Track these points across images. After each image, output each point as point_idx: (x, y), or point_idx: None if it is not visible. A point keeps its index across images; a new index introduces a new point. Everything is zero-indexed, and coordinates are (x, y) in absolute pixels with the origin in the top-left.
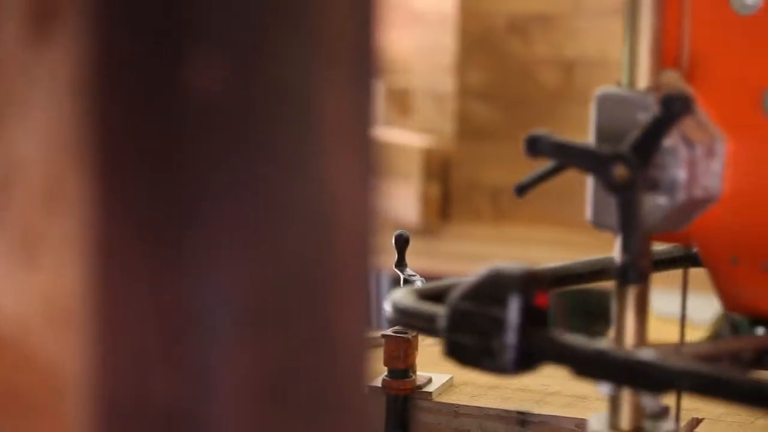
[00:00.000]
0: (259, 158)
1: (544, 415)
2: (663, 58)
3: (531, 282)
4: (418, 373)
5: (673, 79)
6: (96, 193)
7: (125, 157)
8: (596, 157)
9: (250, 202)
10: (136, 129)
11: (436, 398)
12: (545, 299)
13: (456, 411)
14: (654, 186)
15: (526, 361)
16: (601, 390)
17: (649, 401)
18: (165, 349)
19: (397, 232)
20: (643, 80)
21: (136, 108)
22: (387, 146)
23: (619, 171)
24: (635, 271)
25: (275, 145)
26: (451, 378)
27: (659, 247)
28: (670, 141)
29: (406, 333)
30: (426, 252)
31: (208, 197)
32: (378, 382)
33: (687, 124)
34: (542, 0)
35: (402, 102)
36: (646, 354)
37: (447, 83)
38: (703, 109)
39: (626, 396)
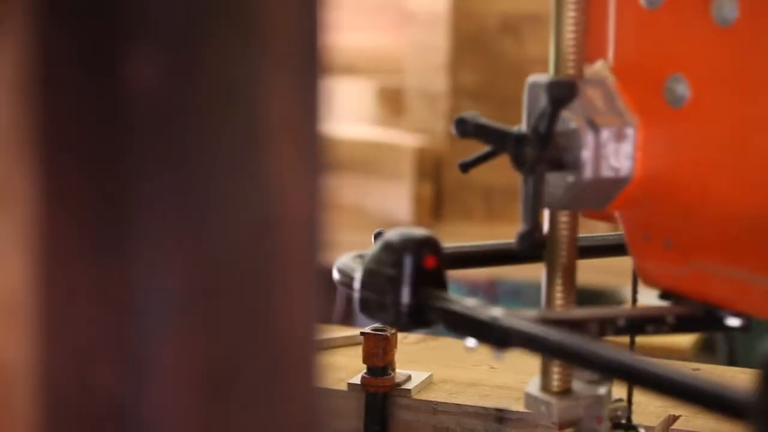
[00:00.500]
0: (199, 154)
1: (522, 413)
2: (594, 48)
3: (423, 245)
4: (397, 370)
5: (600, 68)
6: (39, 190)
7: (67, 155)
8: (507, 138)
9: (192, 197)
10: (77, 126)
11: (415, 396)
12: (434, 261)
13: (434, 408)
14: (561, 165)
15: (418, 317)
16: (467, 343)
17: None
18: (108, 342)
19: (377, 230)
20: (569, 69)
21: (76, 105)
22: (379, 146)
23: (526, 151)
24: (529, 241)
25: (217, 141)
26: (431, 375)
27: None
28: (575, 124)
29: (385, 331)
30: None
31: (149, 193)
32: (357, 380)
33: (598, 110)
34: (534, 0)
35: (394, 102)
36: (495, 312)
37: (439, 83)
38: (621, 96)
39: (557, 361)
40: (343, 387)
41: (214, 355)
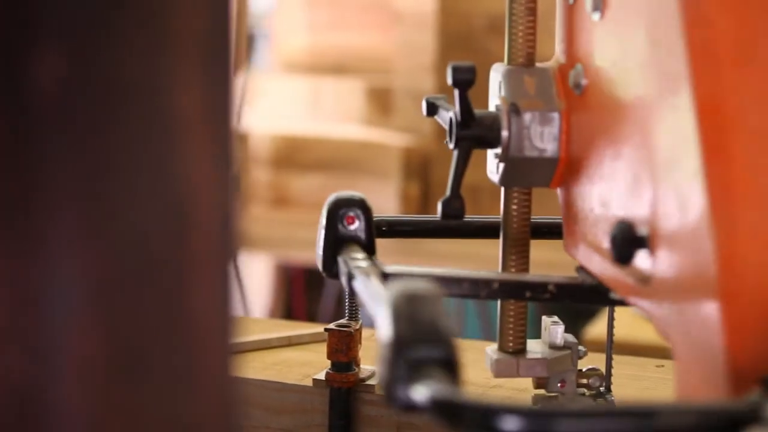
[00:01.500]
0: (105, 145)
1: None
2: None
3: (345, 205)
4: (362, 366)
5: (553, 61)
6: None
7: None
8: (449, 120)
9: (98, 187)
10: None
11: (379, 391)
12: (353, 220)
13: None
14: (488, 143)
15: (328, 267)
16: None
17: (554, 335)
18: (14, 329)
19: None
20: (519, 59)
21: None
22: (367, 145)
23: (451, 129)
24: (448, 207)
25: (122, 133)
26: None
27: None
28: (497, 107)
29: (349, 327)
30: (405, 251)
31: (54, 183)
32: (322, 376)
33: (527, 95)
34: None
35: (382, 101)
36: (387, 268)
37: (427, 83)
38: (556, 85)
39: (511, 324)
40: (309, 383)
41: (121, 342)
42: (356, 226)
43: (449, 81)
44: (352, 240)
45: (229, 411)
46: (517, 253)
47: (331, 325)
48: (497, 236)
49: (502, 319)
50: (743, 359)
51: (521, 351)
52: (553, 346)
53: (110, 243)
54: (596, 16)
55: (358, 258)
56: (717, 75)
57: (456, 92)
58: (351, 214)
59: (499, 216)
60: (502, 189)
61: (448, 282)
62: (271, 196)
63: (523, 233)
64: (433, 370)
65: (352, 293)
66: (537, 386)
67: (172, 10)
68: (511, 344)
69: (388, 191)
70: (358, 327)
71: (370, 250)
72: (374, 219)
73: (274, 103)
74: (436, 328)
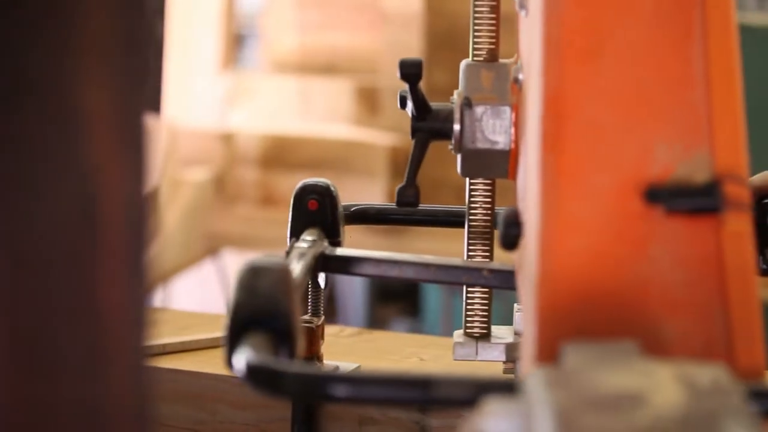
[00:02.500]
0: (5, 143)
1: None
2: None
3: (310, 191)
4: (325, 361)
5: (515, 58)
6: None
7: None
8: (411, 112)
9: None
10: None
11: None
12: (316, 205)
13: None
14: (444, 136)
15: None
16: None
17: (518, 321)
18: None
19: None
20: (482, 56)
21: None
22: (354, 144)
23: (411, 121)
24: (403, 195)
25: (25, 131)
26: (358, 367)
27: None
28: (453, 102)
29: (311, 323)
30: (391, 249)
31: None
32: None
33: (482, 90)
34: (506, 0)
35: (369, 100)
36: (329, 250)
37: None
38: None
39: (475, 309)
40: None
41: (26, 335)
42: (319, 210)
43: (399, 75)
44: (315, 224)
45: (141, 402)
46: (481, 243)
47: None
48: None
49: (467, 304)
50: (551, 338)
51: (486, 336)
52: (518, 332)
53: (13, 237)
54: (523, 14)
55: (306, 239)
56: (562, 68)
57: (408, 86)
58: (314, 199)
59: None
60: (467, 180)
61: (389, 265)
62: (260, 195)
63: (486, 223)
64: (260, 339)
65: (315, 288)
66: (505, 371)
67: (80, 7)
68: (476, 329)
69: (375, 189)
70: (320, 323)
71: (333, 234)
72: (354, 206)
73: (264, 103)
74: (270, 299)
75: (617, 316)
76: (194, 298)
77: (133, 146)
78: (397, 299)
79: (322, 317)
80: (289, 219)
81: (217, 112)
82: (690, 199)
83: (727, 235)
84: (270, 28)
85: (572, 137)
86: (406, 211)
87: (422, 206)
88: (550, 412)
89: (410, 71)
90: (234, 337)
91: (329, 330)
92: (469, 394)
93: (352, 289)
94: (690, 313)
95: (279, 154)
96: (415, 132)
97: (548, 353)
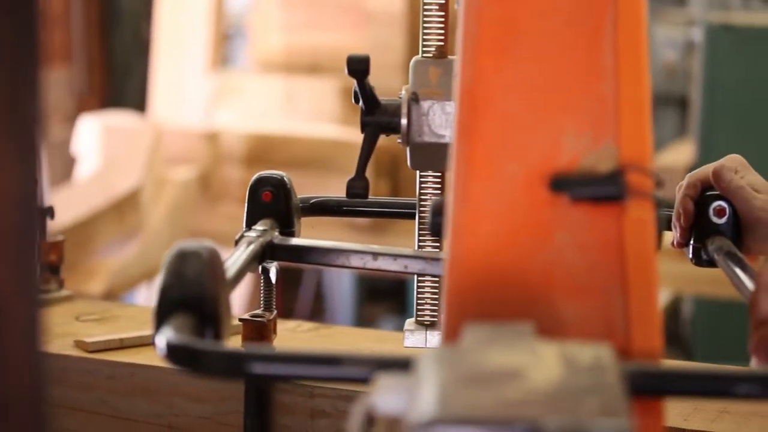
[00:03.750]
0: None
1: None
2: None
3: (264, 183)
4: None
5: None
6: None
7: None
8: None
9: None
10: None
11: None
12: (270, 196)
13: (311, 392)
14: (393, 130)
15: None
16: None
17: None
18: None
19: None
20: (431, 53)
21: None
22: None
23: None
24: (352, 187)
25: None
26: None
27: None
28: (404, 95)
29: (263, 317)
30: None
31: None
32: None
33: (430, 85)
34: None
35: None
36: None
37: (396, 82)
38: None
39: (426, 298)
40: None
41: None
42: (273, 202)
43: (346, 71)
44: (269, 215)
45: (36, 391)
46: (431, 234)
47: (245, 315)
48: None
49: (418, 293)
50: (458, 319)
51: (436, 324)
52: None
53: None
54: (457, 7)
55: (257, 229)
56: (478, 62)
57: (355, 82)
58: (269, 190)
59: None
60: (417, 173)
61: (336, 254)
62: (245, 194)
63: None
64: (186, 321)
65: (267, 284)
66: None
67: None
68: (426, 317)
69: None
70: (272, 317)
71: (286, 225)
72: (313, 198)
73: (249, 102)
74: (196, 283)
75: (520, 300)
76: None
77: (24, 146)
78: (385, 298)
79: (275, 312)
80: (245, 210)
81: (203, 112)
82: (593, 188)
83: (628, 222)
84: (256, 28)
85: (484, 128)
86: (363, 203)
87: (379, 198)
88: (433, 387)
89: (357, 67)
90: (160, 319)
91: (287, 325)
92: (369, 370)
93: (341, 289)
94: (591, 297)
95: (264, 152)
96: (364, 126)
97: (454, 334)
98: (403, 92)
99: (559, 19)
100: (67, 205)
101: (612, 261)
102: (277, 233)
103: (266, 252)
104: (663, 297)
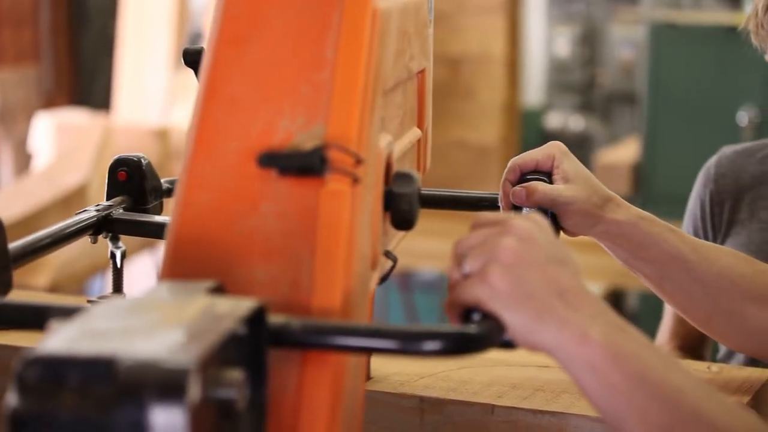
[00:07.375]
0: None
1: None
2: None
3: (122, 164)
4: None
5: None
6: None
7: None
8: None
9: None
10: None
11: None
12: (125, 176)
13: None
14: None
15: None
16: None
17: None
18: None
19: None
20: None
21: None
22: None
23: None
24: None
25: None
26: None
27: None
28: None
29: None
30: None
31: None
32: None
33: None
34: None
35: None
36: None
37: None
38: None
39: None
40: None
41: None
42: (128, 181)
43: (183, 62)
44: (125, 193)
45: None
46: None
47: (94, 298)
48: None
49: None
50: (169, 273)
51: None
52: None
53: None
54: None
55: (103, 204)
56: (216, 51)
57: (193, 72)
58: (124, 170)
59: None
60: None
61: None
62: None
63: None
64: None
65: (116, 267)
66: None
67: None
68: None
69: None
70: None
71: (141, 203)
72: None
73: None
74: None
75: (221, 262)
76: (132, 290)
77: None
78: None
79: (124, 295)
80: (105, 188)
81: (162, 110)
82: (294, 160)
83: (325, 194)
84: None
85: (213, 111)
86: None
87: None
88: (59, 334)
89: (193, 59)
90: None
91: None
92: (43, 317)
93: None
94: (282, 260)
95: None
96: None
97: None
98: None
99: (294, 14)
100: (14, 199)
101: (306, 228)
102: (121, 210)
103: (102, 225)
104: (596, 289)
